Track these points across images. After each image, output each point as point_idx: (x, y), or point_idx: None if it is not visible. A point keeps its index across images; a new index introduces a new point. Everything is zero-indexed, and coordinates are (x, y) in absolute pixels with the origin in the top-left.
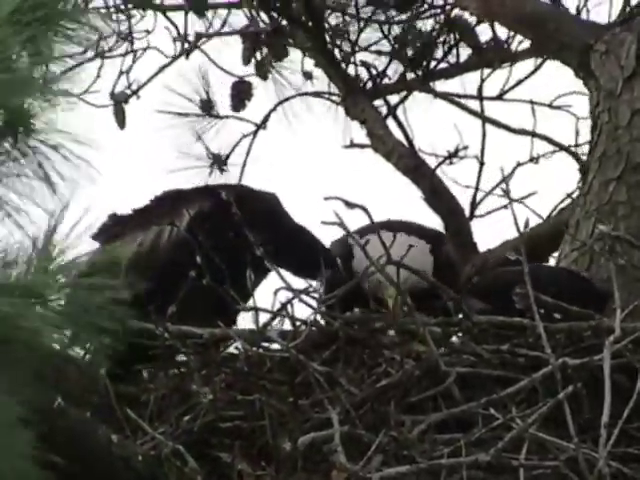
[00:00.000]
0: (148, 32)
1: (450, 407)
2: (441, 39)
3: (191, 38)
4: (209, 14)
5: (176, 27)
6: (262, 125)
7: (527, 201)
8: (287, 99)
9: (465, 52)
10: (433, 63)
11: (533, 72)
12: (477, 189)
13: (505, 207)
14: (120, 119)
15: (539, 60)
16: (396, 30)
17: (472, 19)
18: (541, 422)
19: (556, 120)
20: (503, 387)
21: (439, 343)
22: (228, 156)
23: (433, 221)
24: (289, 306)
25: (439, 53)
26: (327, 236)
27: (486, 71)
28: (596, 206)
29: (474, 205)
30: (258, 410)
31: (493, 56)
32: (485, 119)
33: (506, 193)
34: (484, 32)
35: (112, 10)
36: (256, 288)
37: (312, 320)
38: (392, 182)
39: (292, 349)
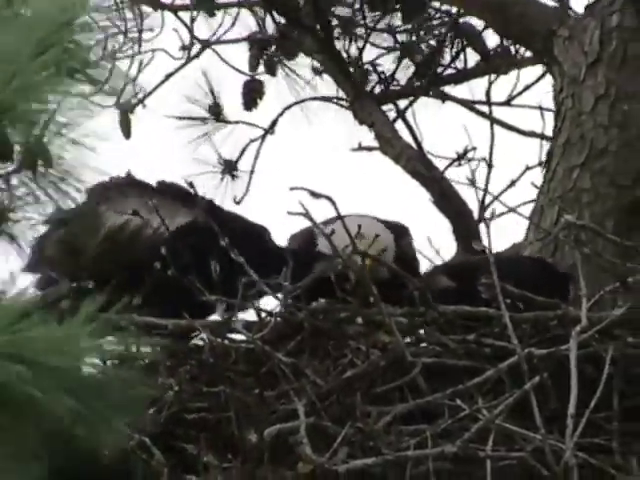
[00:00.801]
0: (152, 30)
1: (416, 398)
2: (448, 45)
3: (200, 38)
4: (218, 16)
5: (187, 26)
6: (270, 130)
7: None
8: (295, 103)
9: (473, 58)
10: (440, 69)
11: (541, 77)
12: (486, 192)
13: (514, 210)
14: (125, 129)
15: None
16: (403, 36)
17: (479, 25)
18: (507, 413)
19: None
20: (469, 377)
21: (405, 333)
22: (237, 161)
23: (442, 224)
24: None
25: (446, 59)
26: (294, 227)
27: (493, 77)
28: (560, 193)
29: (483, 208)
30: (224, 402)
31: (500, 62)
32: (494, 121)
33: None
34: (491, 38)
35: (121, 8)
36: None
37: (277, 311)
38: (401, 185)
39: (257, 340)
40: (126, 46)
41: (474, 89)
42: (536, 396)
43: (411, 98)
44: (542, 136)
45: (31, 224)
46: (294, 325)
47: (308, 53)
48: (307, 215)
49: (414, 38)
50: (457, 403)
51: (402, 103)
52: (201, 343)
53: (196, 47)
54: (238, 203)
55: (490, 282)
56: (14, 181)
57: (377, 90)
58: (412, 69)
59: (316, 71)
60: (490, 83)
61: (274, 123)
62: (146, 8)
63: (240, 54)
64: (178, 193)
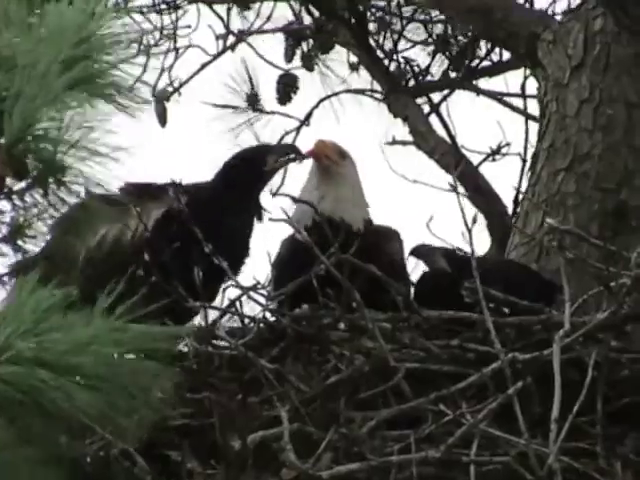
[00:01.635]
0: (189, 27)
1: (400, 403)
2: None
3: (235, 31)
4: (255, 6)
5: (222, 19)
6: (305, 121)
7: None
8: (330, 96)
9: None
10: (476, 61)
11: None
12: (520, 187)
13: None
14: (161, 117)
15: None
16: (439, 28)
17: None
18: (491, 417)
19: None
20: (453, 382)
21: (388, 339)
22: None
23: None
24: (238, 303)
25: (481, 52)
26: (276, 233)
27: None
28: (545, 197)
29: (517, 202)
30: (207, 408)
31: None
32: (528, 116)
33: None
34: None
35: (157, 4)
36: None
37: (261, 317)
38: (435, 179)
39: (241, 346)
40: (161, 42)
41: (509, 82)
42: (520, 401)
43: (445, 92)
44: None
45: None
46: (277, 331)
47: (344, 46)
48: (289, 221)
49: (449, 31)
50: (441, 408)
51: (436, 97)
52: (185, 349)
53: (231, 40)
54: (274, 195)
55: (473, 286)
56: (28, 198)
57: (411, 83)
58: (446, 62)
59: (352, 67)
60: (525, 77)
61: (309, 115)
62: (181, 2)
63: (275, 46)
64: (145, 190)
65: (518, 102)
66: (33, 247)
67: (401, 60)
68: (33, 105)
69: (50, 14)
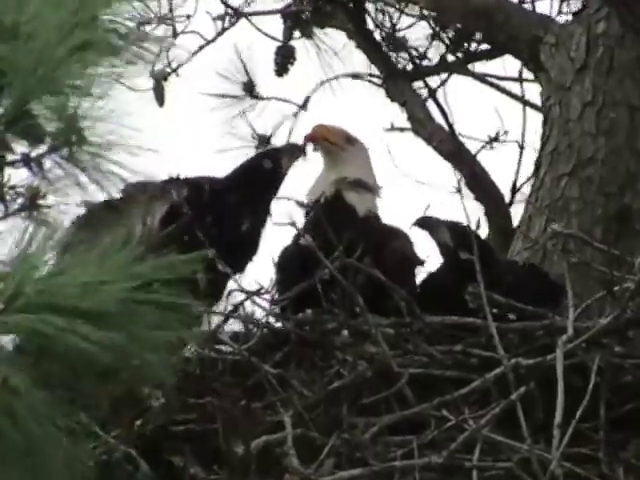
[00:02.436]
0: (188, 17)
1: (403, 409)
2: None
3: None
4: None
5: None
6: (303, 106)
7: None
8: (328, 80)
9: None
10: (474, 45)
11: None
12: (517, 174)
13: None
14: (159, 97)
15: None
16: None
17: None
18: (494, 423)
19: None
20: (456, 388)
21: (391, 344)
22: (270, 137)
23: (472, 206)
24: (241, 308)
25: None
26: (281, 236)
27: None
28: (548, 202)
29: (514, 190)
30: (210, 413)
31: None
32: (526, 103)
33: None
34: None
35: None
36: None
37: (264, 322)
38: (432, 165)
39: (244, 351)
40: (159, 28)
41: (507, 66)
42: (523, 406)
43: (443, 77)
44: None
45: (66, 208)
46: (281, 336)
47: (341, 28)
48: (294, 225)
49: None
50: (444, 414)
51: (434, 83)
52: (188, 354)
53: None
54: (278, 198)
55: (477, 291)
56: (47, 164)
57: (409, 68)
58: (444, 47)
59: (349, 35)
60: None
61: (307, 100)
62: None
63: (273, 26)
64: (147, 189)
65: (515, 87)
66: (51, 218)
67: (399, 44)
68: (33, 79)
69: None
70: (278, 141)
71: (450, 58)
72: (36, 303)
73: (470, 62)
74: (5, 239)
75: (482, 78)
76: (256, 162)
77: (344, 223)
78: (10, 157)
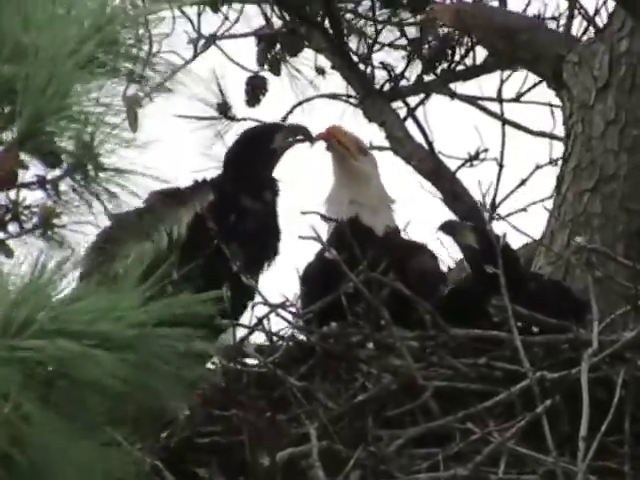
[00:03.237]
0: (167, 35)
1: (428, 421)
2: (458, 41)
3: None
4: (223, 8)
5: (191, 21)
6: None
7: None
8: (304, 101)
9: (482, 54)
10: (451, 65)
11: None
12: (497, 191)
13: (524, 209)
14: (132, 122)
15: None
16: (413, 32)
17: None
18: (519, 436)
19: None
20: (481, 401)
21: (416, 357)
22: None
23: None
24: (266, 321)
25: (456, 55)
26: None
27: (505, 73)
28: (571, 217)
29: (494, 207)
30: (235, 426)
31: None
32: (505, 121)
33: None
34: None
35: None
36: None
37: (289, 335)
38: (412, 184)
39: (269, 364)
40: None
41: (483, 86)
42: (548, 419)
43: (422, 96)
44: (552, 136)
45: (80, 228)
46: (306, 349)
47: (316, 50)
48: (318, 239)
49: (423, 32)
50: (469, 426)
51: (412, 101)
52: (213, 367)
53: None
54: (304, 213)
55: (501, 304)
56: (63, 186)
57: (387, 87)
58: (422, 64)
59: (319, 71)
60: (502, 81)
61: (284, 120)
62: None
63: (248, 49)
64: (172, 196)
65: (494, 106)
66: (66, 237)
67: (376, 64)
68: (44, 97)
69: None
70: None
71: (428, 78)
72: (49, 329)
73: (447, 82)
74: (19, 260)
75: (461, 97)
76: (243, 139)
77: (364, 244)
78: (26, 178)
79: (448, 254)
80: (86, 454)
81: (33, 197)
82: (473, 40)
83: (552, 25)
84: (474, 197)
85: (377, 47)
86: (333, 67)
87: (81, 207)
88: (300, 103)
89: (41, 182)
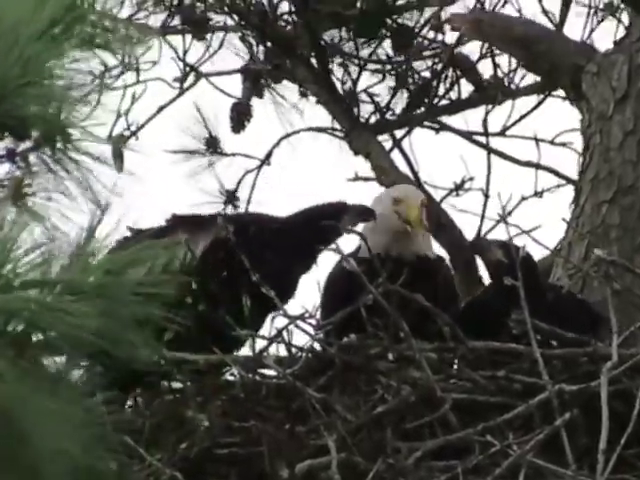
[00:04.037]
0: (154, 63)
1: (447, 434)
2: (443, 75)
3: (194, 63)
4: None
5: (176, 53)
6: (266, 161)
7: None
8: (290, 134)
9: (467, 88)
10: (435, 99)
11: (535, 107)
12: (482, 221)
13: (510, 240)
14: (118, 163)
15: (541, 96)
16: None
17: (474, 55)
18: (538, 448)
19: (559, 154)
20: (500, 413)
21: (435, 369)
22: (235, 192)
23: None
24: (285, 332)
25: (441, 89)
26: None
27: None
28: (589, 228)
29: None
30: (254, 437)
31: (495, 92)
32: (490, 151)
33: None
34: (485, 68)
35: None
36: (261, 323)
37: (308, 346)
38: None
39: (288, 376)
40: (124, 75)
41: (469, 119)
42: (567, 432)
43: (407, 128)
44: (538, 166)
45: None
46: (325, 360)
47: (301, 83)
48: (337, 250)
49: (408, 69)
50: (488, 439)
51: (398, 133)
52: (232, 378)
53: (190, 79)
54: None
55: (521, 318)
56: (32, 158)
57: (372, 120)
58: (407, 99)
59: (303, 94)
60: (486, 113)
61: (269, 154)
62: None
63: (234, 82)
64: (192, 220)
65: (479, 139)
66: (37, 207)
67: (362, 97)
68: (6, 63)
69: None
70: (243, 195)
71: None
72: (17, 282)
73: (432, 116)
74: None
75: (446, 127)
76: (318, 213)
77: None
78: None
79: None
80: (63, 414)
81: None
82: (457, 74)
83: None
84: (459, 227)
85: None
86: (318, 101)
87: (50, 179)
88: (286, 136)
89: (10, 155)
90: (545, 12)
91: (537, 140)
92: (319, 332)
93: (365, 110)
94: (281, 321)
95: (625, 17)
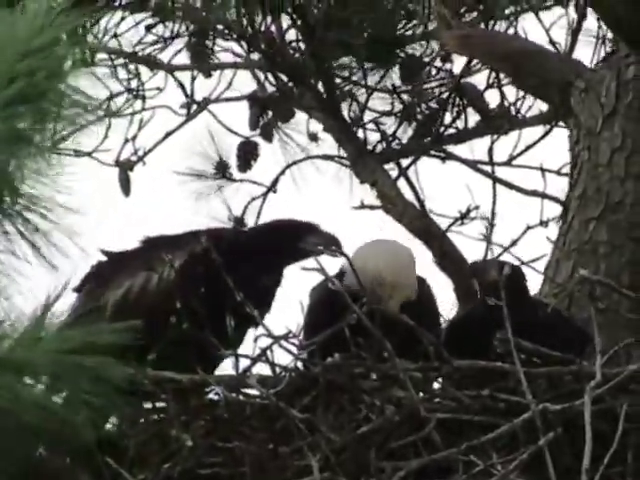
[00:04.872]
0: (160, 89)
1: (431, 453)
2: (450, 104)
3: (198, 98)
4: (216, 74)
5: (183, 87)
6: (272, 188)
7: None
8: (296, 162)
9: (474, 118)
10: (442, 129)
11: (542, 138)
12: (487, 251)
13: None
14: (125, 186)
15: (547, 126)
16: (405, 96)
17: (481, 85)
18: (522, 468)
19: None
20: (484, 433)
21: (419, 388)
22: (241, 218)
23: (443, 283)
24: (269, 352)
25: (447, 119)
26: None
27: (495, 137)
28: (576, 245)
29: None
30: (238, 457)
31: (501, 122)
32: (496, 180)
33: None
34: (492, 98)
35: (119, 67)
36: (242, 338)
37: (292, 366)
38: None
39: (272, 396)
40: (129, 102)
41: (475, 149)
42: (551, 450)
43: (413, 157)
44: (544, 195)
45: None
46: (309, 380)
47: (307, 111)
48: (322, 271)
49: (415, 99)
50: (472, 458)
51: (404, 162)
52: (216, 398)
53: (195, 108)
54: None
55: (505, 337)
56: None
57: (379, 148)
58: (413, 128)
59: (312, 137)
60: (492, 143)
61: (275, 182)
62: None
63: (241, 111)
64: (165, 240)
65: (485, 168)
66: None
67: (368, 126)
68: None
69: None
70: (249, 222)
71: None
72: None
73: (439, 145)
74: None
75: (452, 156)
76: (278, 227)
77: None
78: None
79: None
80: None
81: None
82: (464, 103)
83: None
84: (464, 256)
85: (369, 112)
86: (325, 129)
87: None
88: (292, 164)
89: None
90: (552, 42)
91: (543, 170)
92: (302, 352)
93: (372, 138)
94: (265, 341)
95: None
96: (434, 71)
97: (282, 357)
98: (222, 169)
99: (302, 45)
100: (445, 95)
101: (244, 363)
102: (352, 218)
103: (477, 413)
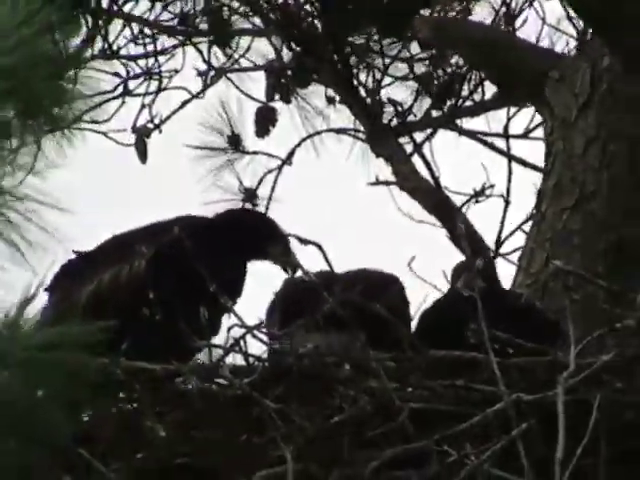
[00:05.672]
0: (176, 71)
1: (404, 443)
2: (467, 77)
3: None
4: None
5: (201, 54)
6: (287, 161)
7: None
8: (312, 135)
9: (490, 90)
10: (459, 101)
11: None
12: (502, 227)
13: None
14: (141, 153)
15: None
16: (421, 68)
17: None
18: (495, 458)
19: None
20: (458, 423)
21: (393, 378)
22: (255, 190)
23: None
24: (242, 342)
25: (465, 91)
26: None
27: (512, 109)
28: (550, 235)
29: (499, 243)
30: (211, 447)
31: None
32: (511, 157)
33: None
34: None
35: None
36: (217, 327)
37: (265, 356)
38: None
39: (245, 386)
40: (146, 83)
41: (491, 122)
42: (524, 441)
43: (428, 131)
44: None
45: None
46: (282, 370)
47: (324, 83)
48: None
49: (431, 69)
50: (445, 448)
51: (419, 137)
52: (189, 388)
53: (215, 68)
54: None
55: (478, 328)
56: None
57: (394, 122)
58: (429, 102)
59: (330, 100)
60: (508, 119)
61: (291, 154)
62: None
63: (257, 82)
64: (132, 235)
65: (501, 142)
66: None
67: (384, 99)
68: None
69: None
70: (263, 194)
71: (435, 113)
72: None
73: (455, 118)
74: None
75: (467, 133)
76: (243, 220)
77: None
78: None
79: None
80: None
81: None
82: (482, 76)
83: None
84: (479, 233)
85: (386, 82)
86: (341, 101)
87: None
88: (308, 137)
89: None
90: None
91: None
92: (275, 342)
93: (387, 112)
94: (238, 331)
95: None
96: None
97: (255, 347)
98: (235, 142)
99: (318, 19)
100: (461, 67)
101: (217, 353)
102: (367, 192)
103: (451, 403)
